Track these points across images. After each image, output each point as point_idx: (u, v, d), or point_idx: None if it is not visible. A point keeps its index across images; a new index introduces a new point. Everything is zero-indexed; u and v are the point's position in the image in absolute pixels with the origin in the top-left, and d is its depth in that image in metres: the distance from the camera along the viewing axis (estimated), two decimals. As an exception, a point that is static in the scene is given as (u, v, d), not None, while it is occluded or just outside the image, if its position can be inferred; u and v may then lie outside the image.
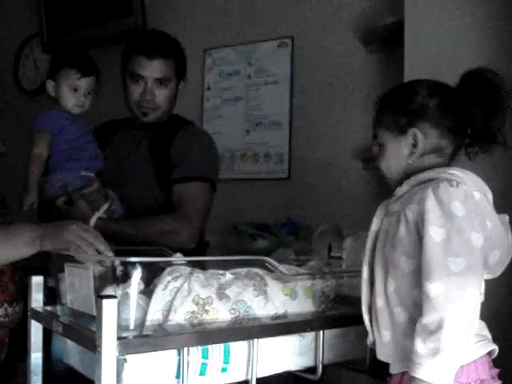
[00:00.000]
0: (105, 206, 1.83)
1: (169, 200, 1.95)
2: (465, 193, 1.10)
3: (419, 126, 1.20)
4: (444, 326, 1.02)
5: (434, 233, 1.06)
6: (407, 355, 1.08)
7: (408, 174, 1.21)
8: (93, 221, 1.77)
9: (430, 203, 1.08)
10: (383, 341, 1.18)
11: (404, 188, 1.19)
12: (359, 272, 1.26)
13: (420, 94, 1.21)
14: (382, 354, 1.19)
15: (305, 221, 2.58)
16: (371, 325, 1.22)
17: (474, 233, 1.06)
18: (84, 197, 1.83)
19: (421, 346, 1.04)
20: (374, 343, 1.22)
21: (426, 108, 1.20)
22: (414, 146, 1.20)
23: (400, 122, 1.21)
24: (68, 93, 1.87)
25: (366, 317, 1.23)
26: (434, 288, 1.03)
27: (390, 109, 1.24)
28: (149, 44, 1.99)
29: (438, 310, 1.03)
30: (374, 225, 1.24)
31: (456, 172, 1.13)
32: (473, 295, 1.03)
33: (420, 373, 1.03)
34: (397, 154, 1.22)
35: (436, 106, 1.19)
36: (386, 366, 1.20)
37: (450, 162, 1.23)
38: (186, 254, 1.47)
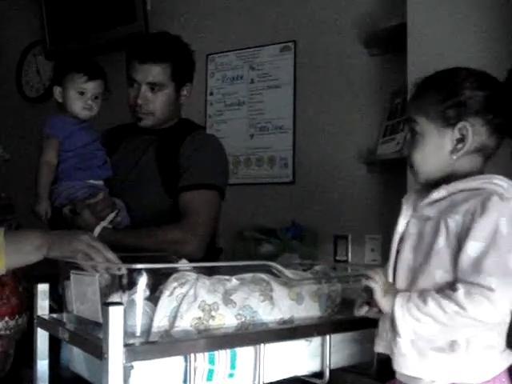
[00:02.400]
0: (110, 216, 1.82)
1: (176, 207, 1.91)
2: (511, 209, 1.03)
3: (470, 121, 1.09)
4: (454, 319, 0.99)
5: (471, 247, 1.01)
6: (434, 367, 1.05)
7: (445, 172, 1.12)
8: (97, 231, 1.75)
9: (478, 217, 1.01)
10: (405, 351, 1.09)
11: (442, 192, 1.10)
12: (365, 276, 1.24)
13: (470, 85, 1.10)
14: (399, 365, 1.11)
15: (310, 225, 2.58)
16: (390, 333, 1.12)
17: None
18: (89, 207, 1.81)
19: (431, 299, 1.01)
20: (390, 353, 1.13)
21: (477, 101, 1.09)
22: (460, 141, 1.10)
23: (447, 114, 1.10)
24: (75, 97, 1.86)
25: (387, 325, 1.11)
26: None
27: (434, 96, 1.12)
28: (142, 48, 1.97)
29: (463, 309, 0.98)
30: (400, 226, 1.14)
31: (502, 182, 1.06)
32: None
33: (399, 305, 1.04)
34: (438, 148, 1.11)
35: (487, 100, 1.09)
36: (393, 370, 1.18)
37: (486, 163, 1.14)
38: (195, 261, 1.46)
